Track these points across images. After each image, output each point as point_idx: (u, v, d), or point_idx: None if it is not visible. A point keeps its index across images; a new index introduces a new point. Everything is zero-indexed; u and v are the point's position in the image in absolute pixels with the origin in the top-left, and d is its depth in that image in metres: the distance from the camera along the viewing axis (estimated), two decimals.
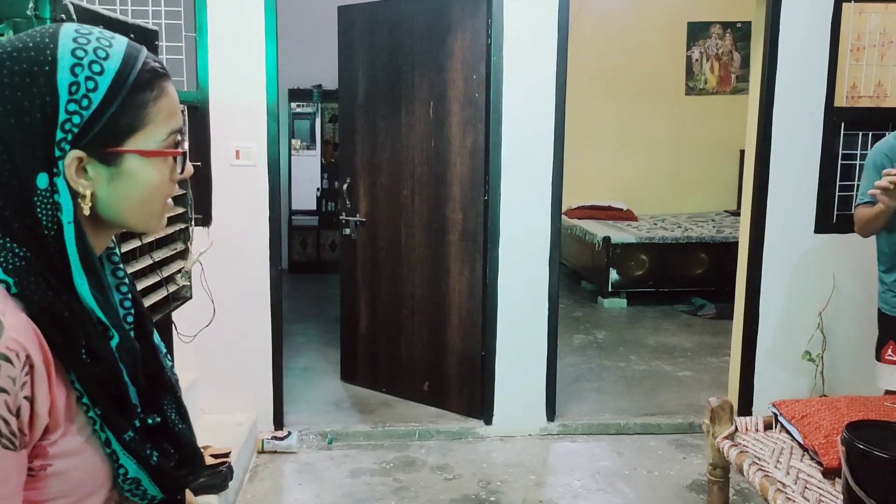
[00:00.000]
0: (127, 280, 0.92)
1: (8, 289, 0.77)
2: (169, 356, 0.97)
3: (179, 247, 2.21)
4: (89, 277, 0.81)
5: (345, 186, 4.08)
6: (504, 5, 3.39)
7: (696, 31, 6.81)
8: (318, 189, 7.50)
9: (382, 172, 3.92)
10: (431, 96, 3.68)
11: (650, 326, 5.54)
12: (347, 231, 4.09)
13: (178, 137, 0.88)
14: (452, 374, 3.78)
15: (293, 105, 7.36)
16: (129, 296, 0.92)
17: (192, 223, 2.27)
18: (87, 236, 0.81)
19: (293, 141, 7.46)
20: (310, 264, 7.38)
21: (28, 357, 0.74)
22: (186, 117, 3.27)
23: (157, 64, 0.86)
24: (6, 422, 0.71)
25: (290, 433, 3.44)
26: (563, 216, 7.29)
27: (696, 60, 6.81)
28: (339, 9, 4.04)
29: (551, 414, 3.67)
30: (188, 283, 2.19)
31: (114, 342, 0.83)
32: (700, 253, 6.13)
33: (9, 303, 0.76)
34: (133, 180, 0.84)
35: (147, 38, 2.15)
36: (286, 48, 6.44)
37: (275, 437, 3.40)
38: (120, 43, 0.83)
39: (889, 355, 2.92)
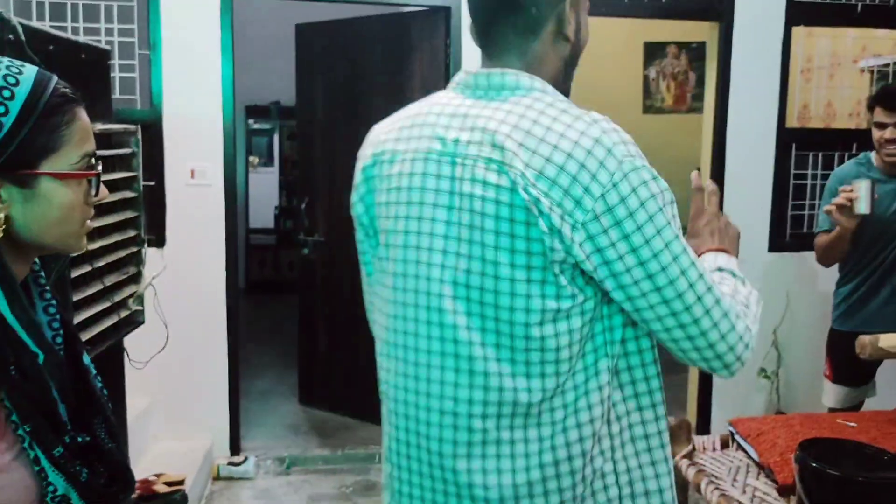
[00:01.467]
0: (54, 302, 0.94)
1: None
2: (99, 377, 0.98)
3: (131, 271, 2.16)
4: (9, 297, 0.83)
5: (303, 206, 4.04)
6: (462, 25, 3.40)
7: (653, 51, 6.93)
8: (276, 207, 7.42)
9: (341, 192, 3.87)
10: (390, 115, 3.66)
11: None
12: (306, 251, 4.04)
13: (92, 161, 0.92)
14: None
15: (250, 121, 7.29)
16: (58, 317, 0.94)
17: (146, 246, 2.21)
18: (5, 257, 0.84)
19: (251, 158, 7.38)
20: (268, 284, 7.27)
21: None
22: (139, 136, 3.21)
23: (68, 90, 0.90)
24: None
25: (246, 459, 3.37)
26: None
27: (653, 80, 6.93)
28: (297, 27, 4.02)
29: None
30: (141, 308, 2.13)
31: (40, 360, 0.84)
32: None
33: None
34: (48, 202, 0.87)
35: (99, 57, 2.11)
36: (243, 64, 6.38)
37: (231, 463, 3.32)
38: (30, 70, 0.87)
39: (826, 372, 2.99)
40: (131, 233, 2.14)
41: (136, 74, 3.23)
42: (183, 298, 3.29)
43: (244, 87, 6.55)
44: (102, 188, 0.95)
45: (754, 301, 1.15)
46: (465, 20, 3.74)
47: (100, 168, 0.95)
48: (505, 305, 0.99)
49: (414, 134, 1.10)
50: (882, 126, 2.60)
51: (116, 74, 3.15)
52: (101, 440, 0.92)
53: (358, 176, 1.19)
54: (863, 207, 2.54)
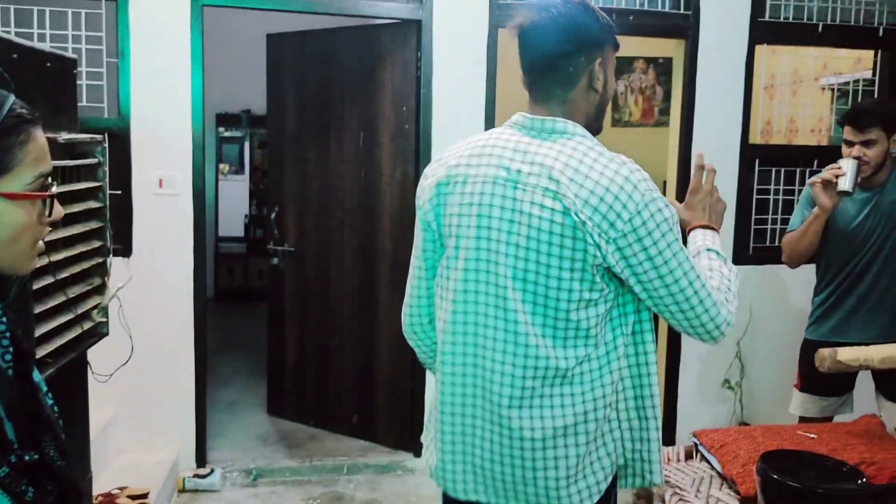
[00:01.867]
0: (5, 319, 0.93)
1: None
2: (50, 394, 0.98)
3: (96, 282, 2.13)
4: None
5: (273, 215, 4.02)
6: (434, 38, 3.42)
7: (622, 66, 7.02)
8: (246, 216, 7.37)
9: (311, 202, 3.89)
10: (361, 126, 3.68)
11: None
12: (275, 260, 4.02)
13: (47, 181, 0.92)
14: (382, 406, 3.74)
15: (221, 129, 7.24)
16: (7, 334, 0.93)
17: (111, 257, 2.19)
18: None
19: (221, 166, 7.33)
20: (237, 292, 7.22)
21: None
22: (107, 145, 3.17)
23: (24, 110, 0.89)
24: None
25: (212, 471, 3.33)
26: None
27: (622, 94, 7.02)
28: (269, 37, 4.01)
29: None
30: (105, 320, 2.10)
31: None
32: None
33: None
34: None
35: (64, 66, 2.08)
36: (214, 73, 6.35)
37: (197, 476, 3.28)
38: None
39: (795, 381, 3.03)
40: (96, 243, 2.12)
41: (103, 82, 3.20)
42: (150, 309, 3.26)
43: (215, 95, 6.53)
44: (57, 208, 0.95)
45: (735, 280, 1.52)
46: (437, 34, 3.79)
47: (54, 189, 0.94)
48: (552, 295, 1.36)
49: (483, 161, 1.43)
50: (850, 144, 2.68)
51: (83, 82, 3.12)
52: (50, 458, 0.91)
53: (431, 190, 1.48)
54: (847, 184, 2.59)
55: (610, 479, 1.46)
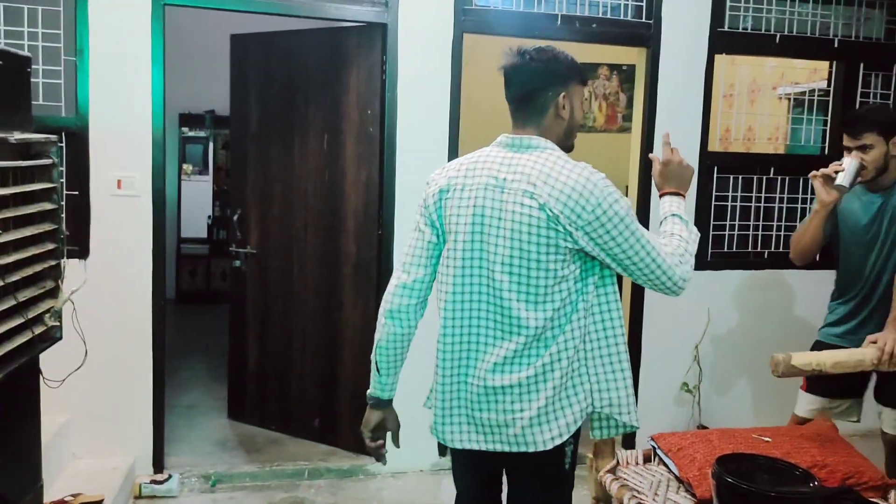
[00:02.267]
0: None
1: None
2: None
3: (49, 285, 2.08)
4: None
5: (235, 217, 3.98)
6: (399, 42, 3.42)
7: (586, 72, 7.12)
8: (209, 217, 7.28)
9: (275, 204, 3.85)
10: (326, 129, 3.66)
11: None
12: (238, 263, 3.97)
13: None
14: (344, 410, 3.72)
15: (184, 130, 7.15)
16: None
17: (65, 259, 2.14)
18: None
19: (184, 166, 7.23)
20: (199, 294, 7.13)
21: None
22: (63, 145, 3.11)
23: None
24: None
25: (170, 476, 3.27)
26: None
27: (586, 99, 7.11)
28: (233, 37, 3.97)
29: (443, 449, 3.67)
30: (58, 324, 2.06)
31: None
32: None
33: None
34: None
35: (18, 64, 2.04)
36: (177, 72, 6.26)
37: (154, 481, 3.23)
38: None
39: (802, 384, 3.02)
40: (49, 246, 2.07)
41: (61, 81, 3.14)
42: (107, 311, 3.20)
43: (178, 95, 6.45)
44: None
45: (692, 241, 1.89)
46: (402, 38, 3.78)
47: None
48: (532, 274, 1.75)
49: (477, 173, 1.82)
50: (848, 150, 2.74)
51: (40, 80, 3.06)
52: None
53: (434, 196, 1.87)
54: (844, 180, 2.66)
55: (579, 423, 1.84)
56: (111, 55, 3.15)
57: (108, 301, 3.20)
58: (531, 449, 1.81)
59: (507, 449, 1.84)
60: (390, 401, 2.16)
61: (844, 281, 2.89)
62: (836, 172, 2.68)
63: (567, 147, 1.88)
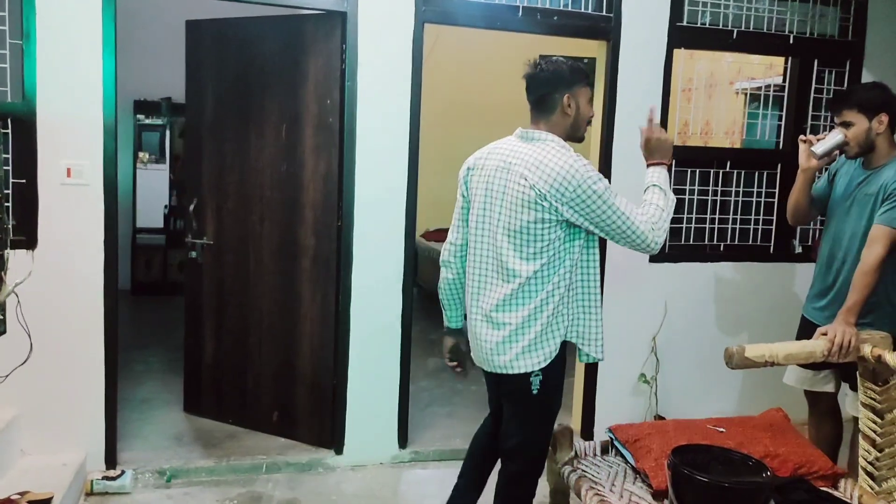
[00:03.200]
0: None
1: None
2: None
3: None
4: None
5: (191, 207, 3.89)
6: (359, 31, 3.38)
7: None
8: (165, 206, 7.14)
9: (231, 195, 3.78)
10: (284, 119, 3.60)
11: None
12: (194, 254, 3.89)
13: None
14: (303, 403, 3.68)
15: (140, 117, 6.98)
16: None
17: (9, 250, 2.07)
18: None
19: (140, 154, 7.07)
20: (155, 285, 6.99)
21: None
22: (9, 131, 3.01)
23: None
24: None
25: (123, 472, 3.20)
26: (421, 239, 7.39)
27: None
28: (188, 23, 3.87)
29: (403, 441, 3.66)
30: (1, 317, 1.99)
31: None
32: None
33: None
34: None
35: None
36: (132, 58, 6.12)
37: (106, 478, 3.15)
38: None
39: None
40: None
41: (6, 65, 3.03)
42: (57, 304, 3.12)
43: (133, 81, 6.30)
44: None
45: (668, 208, 2.31)
46: (362, 26, 3.74)
47: None
48: (525, 238, 2.23)
49: (492, 157, 2.35)
50: (835, 126, 2.88)
51: None
52: None
53: (464, 172, 2.45)
54: (818, 149, 2.85)
55: (555, 354, 2.29)
56: (60, 39, 3.05)
57: (57, 293, 3.11)
58: (509, 372, 2.30)
59: (495, 370, 2.35)
60: (459, 329, 2.64)
61: (822, 253, 3.00)
62: (819, 140, 2.84)
63: (577, 138, 2.34)
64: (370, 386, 3.59)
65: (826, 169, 3.08)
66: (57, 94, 3.07)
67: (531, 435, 2.37)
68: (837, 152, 2.87)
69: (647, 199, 2.33)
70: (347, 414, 3.56)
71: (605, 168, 3.75)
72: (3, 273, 1.99)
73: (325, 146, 3.49)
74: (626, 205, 2.21)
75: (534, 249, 2.21)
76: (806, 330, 2.97)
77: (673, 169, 3.90)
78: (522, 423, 2.37)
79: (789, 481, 2.25)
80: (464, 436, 3.78)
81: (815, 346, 2.47)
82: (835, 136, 2.83)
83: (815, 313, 2.96)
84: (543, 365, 2.27)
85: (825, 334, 2.48)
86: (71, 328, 3.16)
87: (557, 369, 2.32)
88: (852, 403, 2.87)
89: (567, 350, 2.34)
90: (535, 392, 2.29)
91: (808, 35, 4.02)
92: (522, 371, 2.27)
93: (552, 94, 2.27)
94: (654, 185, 2.34)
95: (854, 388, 2.85)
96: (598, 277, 2.32)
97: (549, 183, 2.15)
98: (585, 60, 7.30)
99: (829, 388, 2.99)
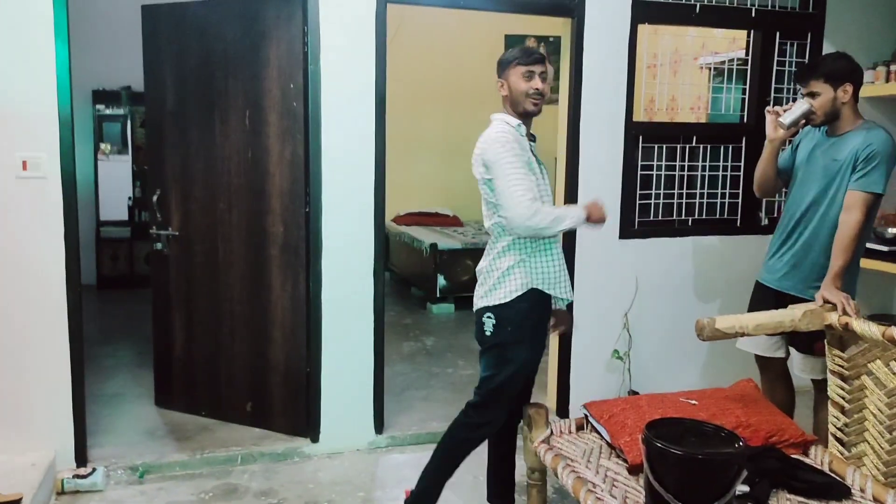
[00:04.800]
0: None
1: None
2: None
3: None
4: None
5: (154, 198, 3.81)
6: (320, 13, 3.32)
7: (513, 44, 7.08)
8: (129, 198, 7.00)
9: (196, 184, 3.71)
10: (247, 105, 3.53)
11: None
12: (159, 246, 3.82)
13: None
14: (277, 392, 3.65)
15: (100, 107, 6.83)
16: None
17: None
18: None
19: (102, 146, 6.91)
20: (122, 279, 6.88)
21: None
22: None
23: None
24: None
25: (94, 470, 3.15)
26: (392, 223, 7.37)
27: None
28: (143, 8, 3.77)
29: (379, 427, 3.65)
30: None
31: None
32: None
33: None
34: None
35: None
36: (89, 47, 5.97)
37: (77, 476, 3.10)
38: None
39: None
40: None
41: None
42: (17, 301, 3.04)
43: (91, 70, 6.16)
44: None
45: (559, 222, 2.51)
46: (323, 9, 3.67)
47: None
48: (484, 197, 2.63)
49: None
50: (803, 96, 2.92)
51: None
52: None
53: None
54: (786, 119, 2.91)
55: (521, 292, 2.56)
56: (10, 28, 2.95)
57: (18, 290, 3.04)
58: (474, 308, 2.69)
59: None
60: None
61: (782, 217, 3.07)
62: (785, 111, 2.90)
63: (522, 113, 2.61)
64: (344, 372, 3.57)
65: (790, 141, 3.12)
66: (8, 84, 2.97)
67: (486, 379, 2.65)
68: (803, 122, 2.92)
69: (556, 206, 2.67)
70: (322, 401, 3.53)
71: (573, 142, 3.75)
72: None
73: (290, 131, 3.44)
74: (518, 179, 2.46)
75: (493, 209, 2.59)
76: (760, 294, 3.10)
77: (640, 145, 3.91)
78: (484, 365, 2.68)
79: (761, 450, 2.28)
80: (441, 418, 3.78)
81: (783, 315, 2.50)
82: (801, 106, 2.88)
83: (771, 277, 3.05)
84: (494, 303, 2.57)
85: (828, 301, 2.51)
86: (34, 325, 3.09)
87: (516, 321, 2.57)
88: (799, 365, 2.96)
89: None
90: (487, 333, 2.60)
91: (769, 8, 4.04)
92: (478, 307, 2.64)
93: (498, 78, 2.66)
94: (570, 209, 2.57)
95: (800, 350, 2.95)
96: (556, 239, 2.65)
97: (478, 153, 2.57)
98: (552, 39, 7.30)
99: (781, 353, 3.09)
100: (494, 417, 2.66)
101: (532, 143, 2.67)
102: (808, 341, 2.87)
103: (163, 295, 3.87)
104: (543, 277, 2.58)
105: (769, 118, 2.95)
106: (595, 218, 2.60)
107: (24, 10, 2.97)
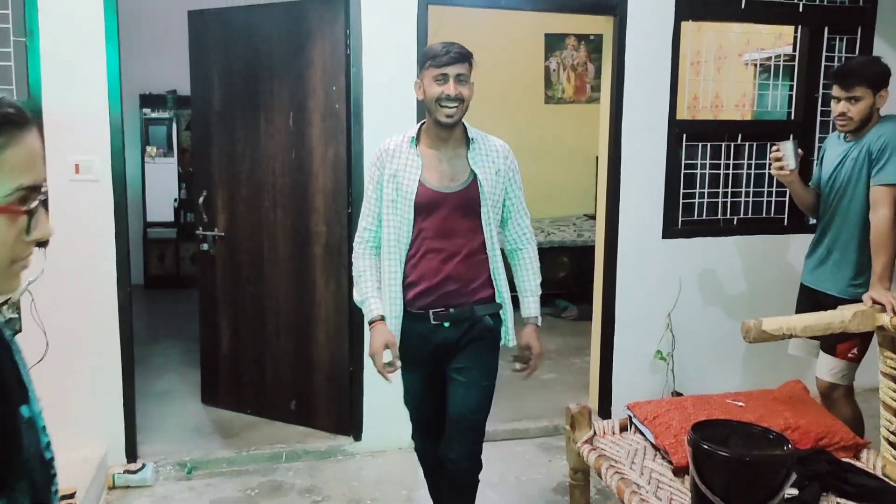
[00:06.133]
0: None
1: None
2: (46, 432, 0.88)
3: None
4: None
5: (201, 199, 3.89)
6: (362, 15, 3.35)
7: (553, 43, 7.05)
8: (175, 199, 7.15)
9: (241, 184, 3.78)
10: (291, 106, 3.58)
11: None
12: (205, 246, 3.90)
13: (29, 194, 0.80)
14: (320, 391, 3.69)
15: (146, 111, 6.98)
16: None
17: None
18: None
19: (148, 148, 7.07)
20: (169, 279, 7.02)
21: None
22: None
23: (11, 110, 0.78)
24: None
25: (144, 465, 3.23)
26: None
27: (554, 71, 7.05)
28: (190, 14, 3.86)
29: None
30: (16, 316, 1.99)
31: None
32: (563, 256, 6.33)
33: None
34: None
35: None
36: (136, 52, 6.11)
37: (127, 471, 3.18)
38: None
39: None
40: None
41: (11, 63, 3.02)
42: (70, 300, 3.13)
43: (138, 75, 6.30)
44: (44, 226, 0.83)
45: (361, 286, 2.50)
46: (365, 10, 3.69)
47: (35, 204, 0.82)
48: None
49: None
50: (837, 100, 2.85)
51: None
52: None
53: None
54: (791, 164, 2.90)
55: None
56: (63, 36, 3.04)
57: (71, 290, 3.13)
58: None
59: None
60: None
61: (818, 223, 3.07)
62: (778, 160, 2.90)
63: (436, 121, 2.28)
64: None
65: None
66: (62, 90, 3.06)
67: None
68: (801, 151, 2.94)
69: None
70: (365, 400, 3.56)
71: (615, 141, 3.72)
72: None
73: (333, 132, 3.48)
74: (364, 205, 2.39)
75: None
76: (802, 295, 3.10)
77: (684, 143, 3.86)
78: None
79: (811, 453, 2.23)
80: None
81: (833, 317, 2.44)
82: (788, 146, 2.89)
83: (808, 277, 3.07)
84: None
85: (877, 302, 2.44)
86: (86, 324, 3.17)
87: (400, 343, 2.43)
88: (819, 363, 2.93)
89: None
90: None
91: (817, 2, 3.95)
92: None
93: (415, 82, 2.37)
94: (370, 302, 2.44)
95: (823, 347, 2.91)
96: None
97: None
98: (592, 37, 7.24)
99: (814, 354, 3.03)
100: (418, 443, 2.63)
101: (468, 149, 2.38)
102: (832, 340, 2.83)
103: (209, 295, 3.95)
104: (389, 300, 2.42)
105: (774, 165, 2.93)
106: (371, 349, 2.40)
107: (77, 18, 3.05)
